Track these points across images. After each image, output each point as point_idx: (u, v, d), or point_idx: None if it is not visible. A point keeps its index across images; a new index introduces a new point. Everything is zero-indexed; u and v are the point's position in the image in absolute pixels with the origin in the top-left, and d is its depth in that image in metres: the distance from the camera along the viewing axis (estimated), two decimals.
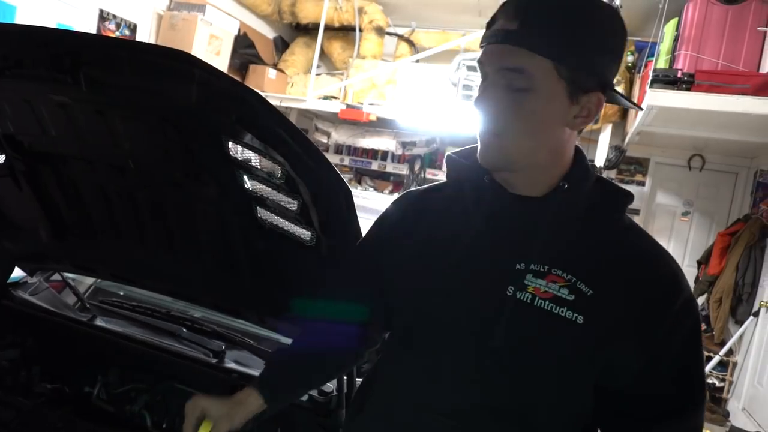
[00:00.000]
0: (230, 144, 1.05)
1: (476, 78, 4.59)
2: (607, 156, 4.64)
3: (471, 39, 4.69)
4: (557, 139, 0.78)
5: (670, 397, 0.76)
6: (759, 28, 3.10)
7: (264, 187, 1.10)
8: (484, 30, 0.79)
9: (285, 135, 0.94)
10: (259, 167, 1.07)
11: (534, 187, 0.80)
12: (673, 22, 3.44)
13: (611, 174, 4.89)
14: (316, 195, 1.03)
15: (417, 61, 5.04)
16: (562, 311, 0.73)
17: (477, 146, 0.83)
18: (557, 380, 0.75)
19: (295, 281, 1.18)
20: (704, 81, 3.04)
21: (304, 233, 1.13)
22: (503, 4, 0.78)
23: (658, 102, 3.09)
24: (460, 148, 0.92)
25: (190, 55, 0.87)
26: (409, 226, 0.91)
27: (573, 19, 0.74)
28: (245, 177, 1.11)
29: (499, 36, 0.75)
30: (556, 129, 0.77)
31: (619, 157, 4.64)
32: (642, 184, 5.15)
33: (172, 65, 0.90)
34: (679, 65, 3.29)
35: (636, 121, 3.69)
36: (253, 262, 1.24)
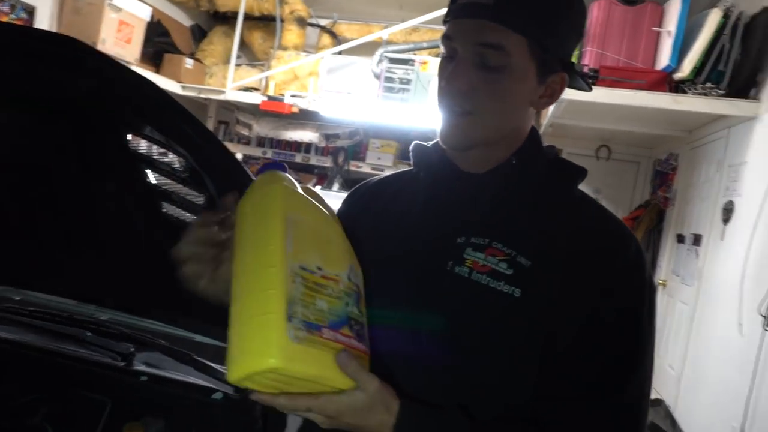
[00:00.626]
0: (129, 137, 1.00)
1: (398, 71, 4.65)
2: None
3: (393, 31, 4.72)
4: (521, 118, 0.78)
5: (592, 374, 0.71)
6: (654, 28, 3.34)
7: (169, 181, 1.06)
8: (449, 4, 0.77)
9: (186, 127, 0.91)
10: (162, 160, 1.03)
11: (485, 164, 0.79)
12: None
13: None
14: (222, 188, 1.00)
15: (339, 52, 5.02)
16: (499, 285, 0.71)
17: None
18: (496, 356, 0.72)
19: None
20: (608, 76, 3.24)
21: None
22: None
23: (567, 95, 3.24)
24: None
25: (79, 41, 0.82)
26: (359, 215, 0.90)
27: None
28: (147, 171, 1.06)
29: (474, 10, 0.72)
30: (523, 108, 0.77)
31: None
32: None
33: (59, 52, 0.85)
34: (585, 61, 3.48)
35: (548, 113, 3.87)
36: (161, 259, 1.19)
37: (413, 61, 4.63)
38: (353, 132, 5.23)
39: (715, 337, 3.00)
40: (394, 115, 4.64)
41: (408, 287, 0.77)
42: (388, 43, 4.91)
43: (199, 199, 1.06)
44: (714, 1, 3.22)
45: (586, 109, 3.58)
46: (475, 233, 0.75)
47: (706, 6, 3.30)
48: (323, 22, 5.39)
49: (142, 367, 1.33)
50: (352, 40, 5.01)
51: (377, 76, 4.78)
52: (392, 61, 4.67)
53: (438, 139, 0.86)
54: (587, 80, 0.84)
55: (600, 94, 3.25)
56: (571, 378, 0.70)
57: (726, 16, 3.03)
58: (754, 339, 2.47)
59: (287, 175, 0.74)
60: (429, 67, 4.56)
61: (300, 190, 0.74)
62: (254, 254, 0.65)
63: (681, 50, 3.13)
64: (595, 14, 3.51)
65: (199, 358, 1.33)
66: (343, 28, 5.32)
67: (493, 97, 0.74)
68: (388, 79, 4.65)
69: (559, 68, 0.76)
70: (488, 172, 0.79)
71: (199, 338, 1.54)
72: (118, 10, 4.04)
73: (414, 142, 0.91)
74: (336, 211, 0.97)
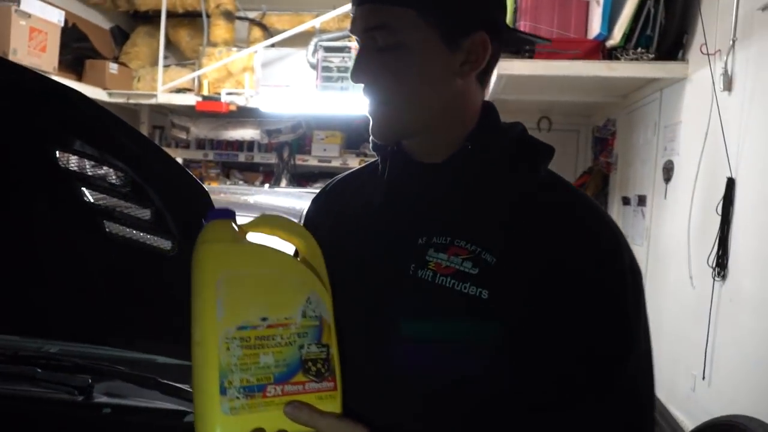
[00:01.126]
0: (58, 153, 0.91)
1: (335, 59, 4.57)
2: None
3: (325, 19, 4.63)
4: (450, 93, 0.70)
5: (568, 381, 0.64)
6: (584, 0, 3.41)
7: (109, 197, 0.97)
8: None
9: (119, 136, 0.83)
10: (98, 176, 0.94)
11: (437, 152, 0.72)
12: None
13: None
14: (167, 199, 0.92)
15: (272, 45, 4.88)
16: (465, 287, 0.64)
17: None
18: (468, 362, 0.66)
19: (162, 295, 1.07)
20: (543, 48, 3.28)
21: (164, 243, 1.02)
22: None
23: (507, 71, 3.28)
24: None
25: None
26: (320, 219, 0.83)
27: None
28: (84, 189, 0.97)
29: None
30: (444, 83, 0.70)
31: None
32: None
33: None
34: None
35: (488, 90, 3.90)
36: (110, 281, 1.11)
37: (349, 48, 4.56)
38: (296, 125, 5.12)
39: (669, 292, 3.13)
40: (336, 104, 4.57)
41: (369, 295, 0.71)
42: (322, 31, 4.81)
43: (145, 214, 0.98)
44: None
45: (525, 82, 3.63)
46: (436, 232, 0.68)
47: None
48: (252, 14, 5.22)
49: (103, 399, 1.23)
50: (283, 31, 4.88)
51: (314, 67, 4.68)
52: (327, 50, 4.58)
53: None
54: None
55: (537, 67, 3.29)
56: (559, 382, 0.64)
57: None
58: (706, 290, 2.58)
59: (228, 222, 0.68)
60: None
61: (243, 236, 0.69)
62: (193, 325, 0.64)
63: (610, 18, 3.20)
64: None
65: (164, 381, 1.24)
66: (274, 20, 5.18)
67: (397, 79, 0.68)
68: (326, 69, 4.57)
69: (473, 29, 0.68)
70: (444, 162, 0.72)
71: (161, 359, 1.45)
72: (27, 16, 3.75)
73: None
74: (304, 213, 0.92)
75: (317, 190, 0.96)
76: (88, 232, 1.02)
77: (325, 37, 4.69)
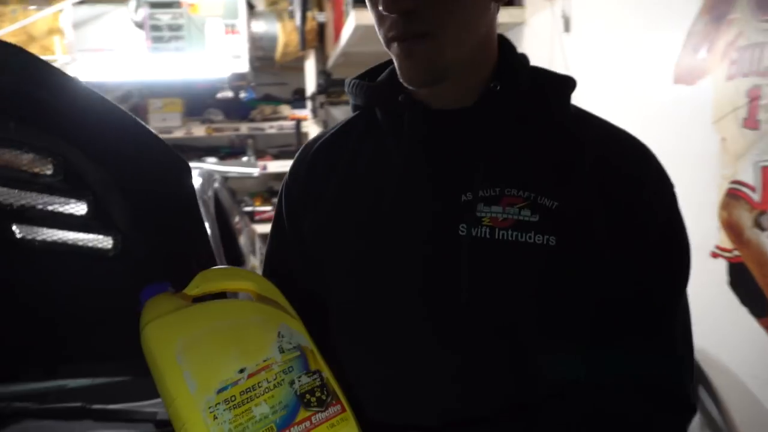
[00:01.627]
0: None
1: (164, 16, 4.08)
2: (317, 82, 4.78)
3: None
4: (486, 20, 0.65)
5: (656, 293, 0.65)
6: None
7: (24, 193, 0.75)
8: None
9: (60, 107, 0.64)
10: (10, 167, 0.73)
11: (463, 96, 0.67)
12: None
13: (321, 99, 5.07)
14: (121, 185, 0.75)
15: (81, 1, 4.16)
16: (530, 237, 0.61)
17: (384, 65, 0.70)
18: (544, 321, 0.63)
19: (102, 307, 0.88)
20: None
21: (103, 241, 0.84)
22: None
23: (362, 21, 3.23)
24: (369, 68, 0.75)
25: None
26: (318, 184, 0.73)
27: None
28: None
29: None
30: (482, 13, 0.64)
31: (328, 81, 4.82)
32: (347, 103, 5.50)
33: None
34: None
35: (341, 42, 3.83)
36: (23, 300, 0.88)
37: (179, 3, 4.08)
38: (126, 95, 4.51)
39: None
40: (171, 68, 4.10)
41: (415, 270, 0.64)
42: None
43: (78, 208, 0.78)
44: None
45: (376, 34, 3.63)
46: (481, 185, 0.64)
47: None
48: None
49: None
50: None
51: (140, 26, 4.12)
52: (154, 5, 4.05)
53: (384, 74, 0.74)
54: None
55: None
56: (625, 312, 0.64)
57: None
58: None
59: (164, 295, 0.65)
60: (200, 8, 4.08)
61: (189, 301, 0.65)
62: (168, 411, 0.60)
63: None
64: None
65: (96, 407, 1.05)
66: None
67: (444, 7, 0.61)
68: (155, 28, 4.05)
69: None
70: (474, 106, 0.67)
71: (72, 384, 1.22)
72: None
73: (348, 80, 0.76)
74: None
75: None
76: None
77: None
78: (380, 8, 0.61)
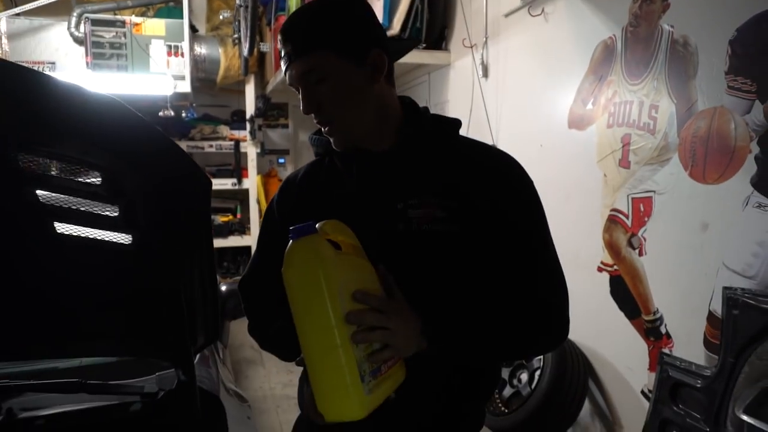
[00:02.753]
0: (21, 156, 0.89)
1: (107, 34, 4.15)
2: (256, 105, 4.99)
3: None
4: (374, 98, 0.96)
5: (529, 252, 0.94)
6: None
7: (69, 197, 0.97)
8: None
9: (105, 133, 0.87)
10: (62, 176, 0.94)
11: (385, 142, 0.98)
12: None
13: (259, 121, 5.27)
14: (149, 192, 0.98)
15: (18, 15, 4.16)
16: (441, 227, 0.92)
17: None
18: (458, 280, 0.94)
19: (118, 294, 1.09)
20: None
21: (124, 238, 1.06)
22: (279, 38, 0.95)
23: None
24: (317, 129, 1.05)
25: None
26: (294, 205, 1.01)
27: (323, 14, 0.93)
28: (37, 192, 0.95)
29: (287, 59, 0.93)
30: (366, 92, 0.95)
31: (267, 105, 5.04)
32: (286, 126, 5.74)
33: None
34: None
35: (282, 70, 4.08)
36: (50, 286, 1.08)
37: (123, 22, 4.19)
38: None
39: None
40: (113, 84, 4.17)
41: (369, 251, 0.92)
42: (81, 2, 4.30)
43: (111, 210, 1.00)
44: None
45: None
46: (408, 196, 0.95)
47: None
48: None
49: (28, 414, 1.17)
50: None
51: (80, 42, 4.18)
52: (96, 22, 4.13)
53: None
54: (406, 39, 1.09)
55: None
56: (512, 260, 0.95)
57: None
58: None
59: (317, 237, 0.79)
60: (144, 28, 4.20)
61: (329, 244, 0.81)
62: (317, 334, 0.76)
63: (390, 11, 3.69)
64: None
65: (92, 382, 1.23)
66: None
67: (335, 101, 0.93)
68: (96, 44, 4.12)
69: (370, 47, 0.95)
70: (394, 148, 0.98)
71: (63, 364, 1.38)
72: None
73: (310, 136, 1.09)
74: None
75: None
76: (33, 235, 1.00)
77: (90, 8, 4.20)
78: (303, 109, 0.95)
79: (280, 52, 0.95)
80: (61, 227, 1.00)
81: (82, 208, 0.98)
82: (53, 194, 0.95)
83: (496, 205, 0.95)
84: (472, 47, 3.35)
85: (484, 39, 3.21)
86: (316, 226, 0.80)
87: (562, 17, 2.58)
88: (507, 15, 3.00)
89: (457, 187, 0.96)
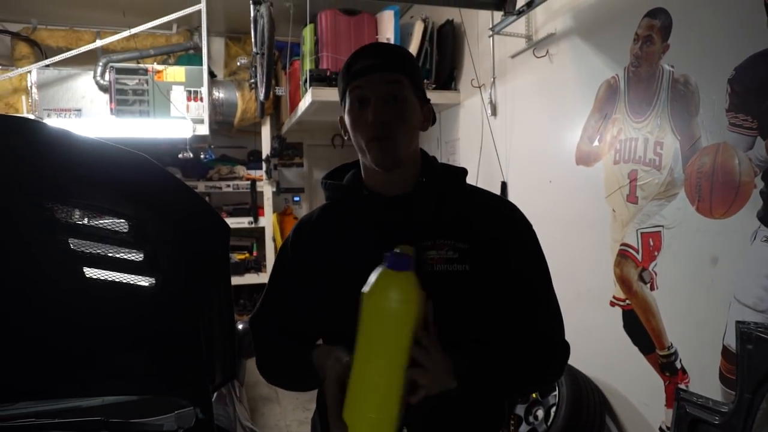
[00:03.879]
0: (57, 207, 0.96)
1: (130, 81, 4.33)
2: (272, 145, 5.12)
3: (112, 39, 4.34)
4: (417, 138, 1.05)
5: (532, 290, 1.02)
6: (376, 36, 3.97)
7: (99, 244, 1.04)
8: (349, 74, 1.01)
9: (132, 185, 0.94)
10: (94, 225, 1.01)
11: (404, 185, 1.04)
12: (310, 27, 4.04)
13: (275, 161, 5.41)
14: (172, 240, 1.04)
15: (48, 66, 4.38)
16: (454, 267, 0.98)
17: (349, 164, 1.08)
18: (470, 316, 1.00)
19: (137, 335, 1.15)
20: None
21: (146, 281, 1.12)
22: (362, 52, 1.02)
23: (318, 97, 3.65)
24: (329, 171, 1.12)
25: None
26: (308, 246, 1.07)
27: (407, 54, 1.06)
28: (69, 240, 1.02)
29: (372, 68, 0.98)
30: (417, 130, 1.04)
31: (282, 145, 5.18)
32: (300, 165, 5.87)
33: None
34: (323, 65, 3.93)
35: (298, 112, 4.22)
36: (76, 328, 1.14)
37: (145, 70, 4.39)
38: None
39: None
40: (134, 129, 4.33)
41: None
42: (106, 51, 4.51)
43: (137, 256, 1.06)
44: (413, 13, 4.02)
45: (328, 107, 4.05)
46: (421, 239, 1.01)
47: (408, 16, 4.08)
48: (14, 27, 4.59)
49: None
50: (57, 48, 4.43)
51: (104, 89, 4.37)
52: (121, 71, 4.33)
53: (348, 176, 1.12)
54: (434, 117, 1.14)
55: None
56: (519, 302, 1.01)
57: (425, 25, 3.83)
58: None
59: (413, 276, 0.84)
60: (166, 75, 4.39)
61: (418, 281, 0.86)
62: (383, 359, 0.83)
63: None
64: (323, 23, 3.97)
65: (114, 420, 1.28)
66: (44, 35, 4.64)
67: (404, 120, 1.00)
68: (120, 92, 4.31)
69: (426, 100, 1.06)
70: (411, 193, 1.04)
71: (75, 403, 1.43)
72: None
73: (322, 180, 1.14)
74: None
75: None
76: (60, 281, 1.06)
77: (116, 57, 4.42)
78: (369, 117, 0.98)
79: (353, 63, 1.00)
80: (90, 272, 1.07)
81: (110, 254, 1.04)
82: (83, 241, 1.02)
83: (503, 245, 1.01)
84: (480, 87, 3.45)
85: (492, 79, 3.31)
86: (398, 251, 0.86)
87: (566, 58, 2.67)
88: (513, 56, 3.10)
89: (467, 229, 1.02)
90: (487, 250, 1.01)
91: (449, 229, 1.02)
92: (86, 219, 1.01)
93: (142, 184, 0.97)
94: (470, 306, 1.00)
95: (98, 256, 1.04)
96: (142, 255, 1.06)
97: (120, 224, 1.01)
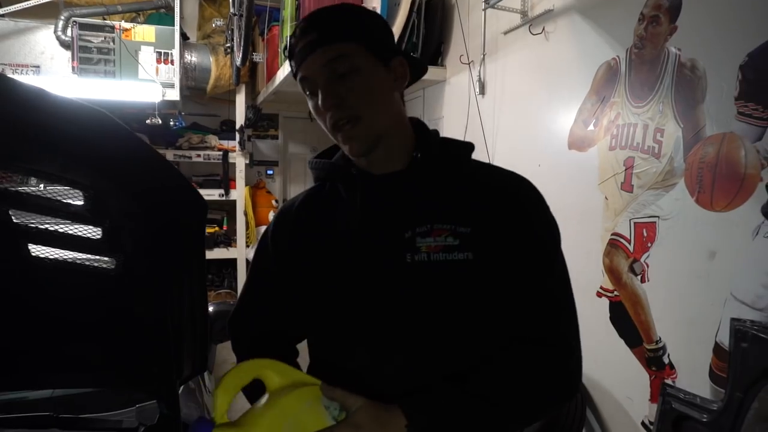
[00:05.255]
0: None
1: (95, 39, 4.04)
2: (246, 115, 4.90)
3: None
4: (395, 104, 0.91)
5: (537, 264, 0.88)
6: (362, 5, 3.77)
7: (48, 218, 0.88)
8: (290, 63, 0.89)
9: (91, 150, 0.78)
10: (41, 195, 0.85)
11: (394, 161, 0.91)
12: None
13: (249, 132, 5.18)
14: (138, 214, 0.89)
15: (2, 16, 4.04)
16: (455, 255, 0.84)
17: (335, 146, 0.91)
18: (474, 313, 0.87)
19: (100, 321, 1.00)
20: None
21: (107, 262, 0.96)
22: (296, 30, 0.88)
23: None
24: (321, 151, 0.97)
25: None
26: (292, 238, 0.94)
27: (352, 13, 0.90)
28: (10, 212, 0.86)
29: (310, 47, 0.85)
30: (390, 94, 0.90)
31: (257, 116, 4.95)
32: (275, 137, 5.66)
33: None
34: None
35: (275, 82, 4.01)
36: (23, 314, 0.98)
37: (112, 27, 4.09)
38: None
39: None
40: (99, 90, 4.05)
41: (375, 286, 0.86)
42: (69, 5, 4.19)
43: (93, 232, 0.91)
44: None
45: None
46: (416, 223, 0.88)
47: None
48: None
49: None
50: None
51: (66, 46, 4.06)
52: (84, 27, 4.02)
53: (338, 155, 0.99)
54: (418, 62, 1.00)
55: None
56: (525, 277, 0.87)
57: None
58: None
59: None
60: (134, 34, 4.11)
61: None
62: None
63: None
64: None
65: (65, 416, 1.13)
66: None
67: (362, 95, 0.86)
68: (84, 49, 4.01)
69: (395, 54, 0.92)
70: (405, 169, 0.92)
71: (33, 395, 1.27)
72: None
73: (309, 160, 1.01)
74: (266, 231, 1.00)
75: None
76: (4, 258, 0.90)
77: (78, 11, 4.09)
78: (320, 105, 0.86)
79: (295, 45, 0.87)
80: (37, 250, 0.91)
81: (61, 230, 0.88)
82: (28, 213, 0.86)
83: (508, 229, 0.88)
84: (469, 64, 3.31)
85: (482, 56, 3.17)
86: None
87: (564, 37, 2.55)
88: (506, 33, 2.96)
89: (469, 211, 0.88)
90: (492, 234, 0.86)
91: (449, 211, 0.88)
92: (31, 187, 0.85)
93: (102, 148, 0.80)
94: (474, 302, 0.86)
95: (46, 232, 0.88)
96: (100, 231, 0.90)
97: (74, 194, 0.85)
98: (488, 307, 0.88)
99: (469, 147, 0.97)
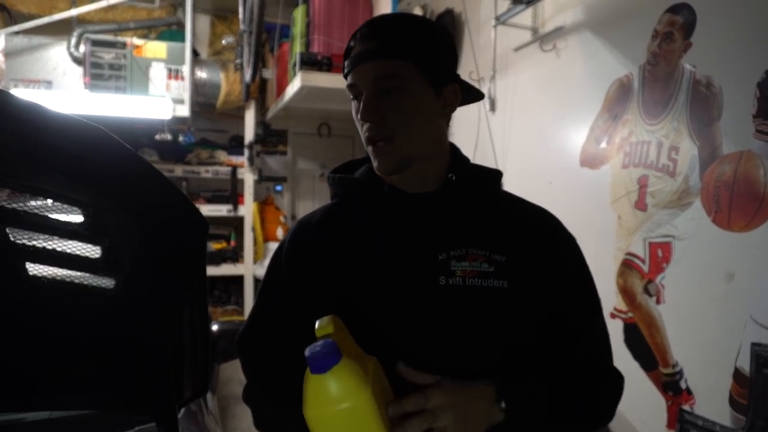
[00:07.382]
0: None
1: (106, 54, 4.08)
2: (255, 131, 4.91)
3: (88, 9, 4.07)
4: (436, 130, 0.88)
5: (581, 312, 0.87)
6: None
7: (45, 236, 0.85)
8: (343, 62, 0.86)
9: (93, 167, 0.76)
10: (38, 213, 0.83)
11: (427, 183, 0.88)
12: (302, 8, 3.84)
13: (258, 148, 5.19)
14: (137, 235, 0.86)
15: (17, 33, 4.09)
16: (489, 282, 0.82)
17: (360, 160, 0.89)
18: (505, 342, 0.83)
19: (97, 343, 0.97)
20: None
21: (106, 282, 0.93)
22: (357, 33, 0.84)
23: (308, 82, 3.46)
24: (337, 166, 0.95)
25: None
26: (311, 255, 0.89)
27: (418, 29, 0.86)
28: (7, 230, 0.83)
29: (365, 56, 0.82)
30: (433, 121, 0.86)
31: (266, 131, 4.96)
32: (284, 153, 5.66)
33: None
34: (314, 49, 3.73)
35: (285, 97, 4.02)
36: (15, 332, 0.95)
37: (123, 43, 4.13)
38: None
39: None
40: (109, 106, 4.07)
41: (407, 308, 0.83)
42: (82, 22, 4.24)
43: (92, 252, 0.88)
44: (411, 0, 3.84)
45: (318, 93, 3.86)
46: (451, 246, 0.84)
47: (405, 2, 3.90)
48: None
49: None
50: (29, 15, 4.14)
51: (78, 62, 4.11)
52: (97, 43, 4.07)
53: (362, 170, 0.95)
54: (475, 90, 0.96)
55: (336, 80, 3.56)
56: (567, 329, 0.86)
57: (424, 12, 3.66)
58: None
59: (347, 367, 0.68)
60: (146, 51, 4.14)
61: (359, 369, 0.69)
62: None
63: None
64: (316, 5, 3.77)
65: None
66: (15, 0, 4.34)
67: (403, 116, 0.84)
68: (96, 65, 4.05)
69: (450, 81, 0.88)
70: (438, 190, 0.89)
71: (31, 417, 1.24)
72: None
73: (329, 174, 0.97)
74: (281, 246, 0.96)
75: None
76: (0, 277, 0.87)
77: (92, 28, 4.14)
78: (359, 115, 0.84)
79: (351, 48, 0.85)
80: (34, 269, 0.88)
81: (59, 248, 0.86)
82: (26, 232, 0.83)
83: (545, 262, 0.86)
84: (479, 80, 3.29)
85: (492, 72, 3.16)
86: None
87: (575, 54, 2.52)
88: (517, 49, 2.95)
89: (503, 239, 0.86)
90: (527, 266, 0.84)
91: (483, 237, 0.85)
92: (29, 204, 0.82)
93: (101, 165, 0.78)
94: (506, 331, 0.83)
95: (44, 251, 0.85)
96: (99, 251, 0.88)
97: (72, 213, 0.83)
98: (520, 338, 0.85)
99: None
